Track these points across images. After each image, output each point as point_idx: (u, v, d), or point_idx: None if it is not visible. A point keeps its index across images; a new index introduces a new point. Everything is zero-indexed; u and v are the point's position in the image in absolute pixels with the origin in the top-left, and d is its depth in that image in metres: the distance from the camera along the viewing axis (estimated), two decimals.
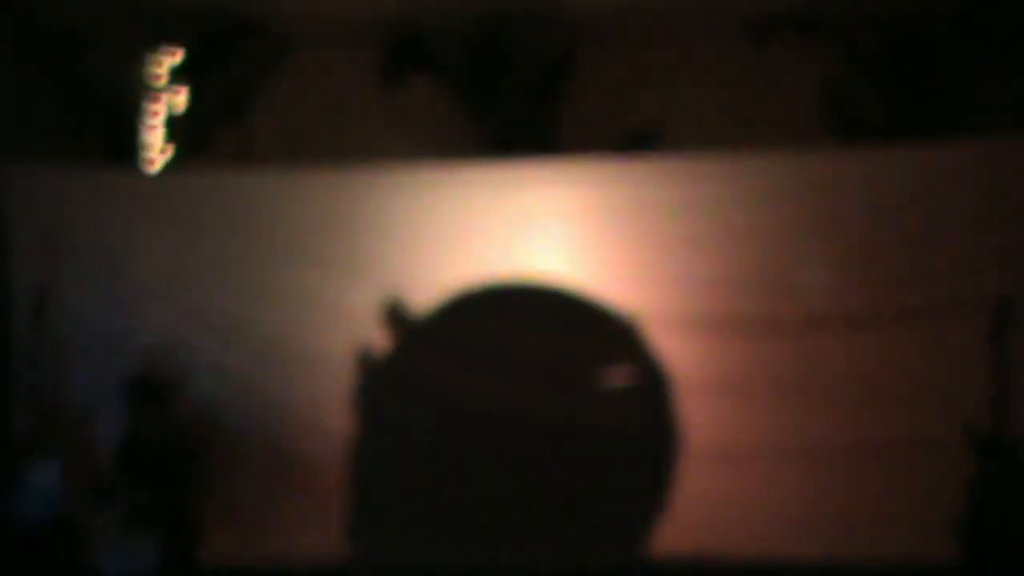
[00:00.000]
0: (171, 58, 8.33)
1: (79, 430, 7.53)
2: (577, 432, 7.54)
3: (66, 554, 6.82)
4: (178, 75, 8.37)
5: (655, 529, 7.48)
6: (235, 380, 7.67)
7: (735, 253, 7.55)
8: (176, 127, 8.37)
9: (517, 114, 8.20)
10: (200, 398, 7.58)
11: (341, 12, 8.26)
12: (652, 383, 7.56)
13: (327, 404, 7.66)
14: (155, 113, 8.33)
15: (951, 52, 7.97)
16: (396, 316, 7.71)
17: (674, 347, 7.54)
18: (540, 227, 7.73)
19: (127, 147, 8.30)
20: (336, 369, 7.67)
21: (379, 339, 7.69)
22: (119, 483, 6.74)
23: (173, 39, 8.33)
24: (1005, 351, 6.74)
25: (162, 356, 7.58)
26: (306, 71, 8.51)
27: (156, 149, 8.34)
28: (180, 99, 8.37)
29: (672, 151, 7.94)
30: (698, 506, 7.42)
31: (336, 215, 7.81)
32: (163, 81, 8.33)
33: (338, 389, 7.67)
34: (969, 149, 7.45)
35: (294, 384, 7.68)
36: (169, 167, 8.25)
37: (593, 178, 7.83)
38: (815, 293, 7.49)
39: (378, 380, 7.71)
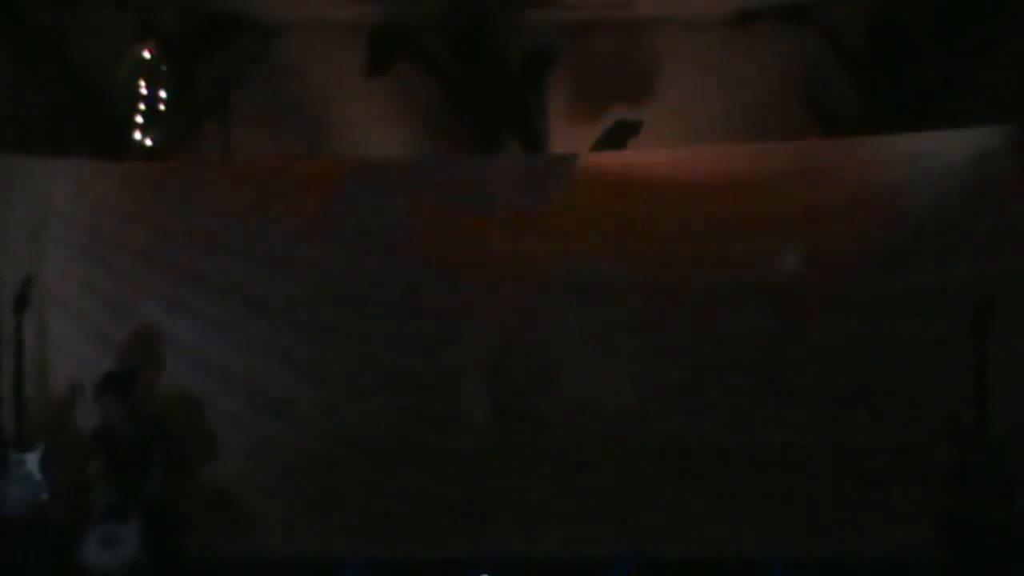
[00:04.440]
0: (156, 49, 8.35)
1: (63, 419, 7.58)
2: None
3: (49, 543, 6.87)
4: (163, 66, 8.39)
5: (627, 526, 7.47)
6: (215, 370, 7.69)
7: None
8: (161, 118, 8.39)
9: (502, 103, 8.23)
10: (179, 388, 7.64)
11: (326, 2, 8.29)
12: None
13: (307, 394, 7.71)
14: (140, 104, 8.35)
15: (931, 41, 7.95)
16: None
17: (650, 336, 7.53)
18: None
19: (113, 138, 8.34)
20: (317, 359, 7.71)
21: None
22: (99, 473, 6.77)
23: (158, 30, 8.36)
24: (987, 344, 6.69)
25: (142, 346, 7.63)
26: (291, 61, 8.54)
27: (141, 140, 8.37)
28: (165, 90, 8.39)
29: (655, 141, 7.94)
30: (680, 505, 7.42)
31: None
32: (148, 72, 8.35)
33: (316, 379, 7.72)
34: (950, 139, 7.42)
35: (274, 374, 7.71)
36: (154, 158, 8.28)
37: (577, 168, 7.85)
38: (792, 285, 7.47)
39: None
